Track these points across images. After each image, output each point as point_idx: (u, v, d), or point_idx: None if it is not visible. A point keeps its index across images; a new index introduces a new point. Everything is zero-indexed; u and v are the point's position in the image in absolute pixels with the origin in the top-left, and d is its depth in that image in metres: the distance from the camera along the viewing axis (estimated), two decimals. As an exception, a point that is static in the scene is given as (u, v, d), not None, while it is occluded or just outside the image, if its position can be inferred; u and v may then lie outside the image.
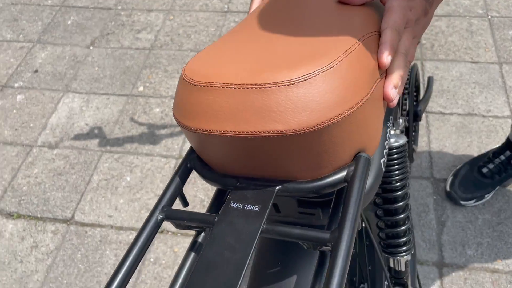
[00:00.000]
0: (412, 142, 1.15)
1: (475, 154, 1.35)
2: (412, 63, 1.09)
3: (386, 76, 0.46)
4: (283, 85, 0.39)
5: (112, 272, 1.20)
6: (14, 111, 1.69)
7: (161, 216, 0.45)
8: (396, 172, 0.64)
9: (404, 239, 0.68)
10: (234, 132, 0.40)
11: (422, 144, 1.41)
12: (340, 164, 0.43)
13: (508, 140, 1.24)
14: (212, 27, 1.88)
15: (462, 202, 1.25)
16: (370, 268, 0.84)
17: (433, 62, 1.63)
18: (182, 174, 0.49)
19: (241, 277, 0.38)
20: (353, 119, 0.41)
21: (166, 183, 0.55)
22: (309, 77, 0.39)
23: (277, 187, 0.43)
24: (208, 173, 0.47)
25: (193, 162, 0.49)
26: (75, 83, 1.76)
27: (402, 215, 0.67)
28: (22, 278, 1.27)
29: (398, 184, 0.65)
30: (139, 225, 1.33)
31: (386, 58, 0.44)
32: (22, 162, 1.53)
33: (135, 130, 1.57)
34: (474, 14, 1.78)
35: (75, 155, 1.52)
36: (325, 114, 0.39)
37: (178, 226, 0.47)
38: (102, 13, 2.04)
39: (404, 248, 0.69)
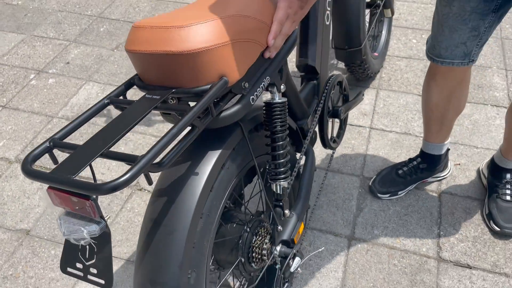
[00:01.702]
0: (337, 137, 1.47)
1: (401, 163, 1.66)
2: (342, 77, 1.43)
3: (269, 44, 0.84)
4: (177, 28, 0.74)
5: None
6: (45, 90, 2.10)
7: (107, 101, 0.80)
8: (278, 119, 0.97)
9: (282, 169, 1.00)
10: (148, 50, 0.75)
11: (360, 151, 1.72)
12: (209, 80, 0.77)
13: (421, 150, 1.54)
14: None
15: (379, 195, 1.54)
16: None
17: (386, 92, 1.97)
18: (127, 85, 0.84)
19: (135, 123, 0.71)
20: (215, 52, 0.75)
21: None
22: (191, 25, 0.74)
23: (173, 90, 0.77)
24: (139, 83, 0.82)
25: (134, 79, 0.84)
26: (97, 75, 2.16)
27: (281, 151, 0.99)
28: (27, 209, 1.62)
29: (279, 128, 0.98)
30: (124, 182, 1.67)
31: (270, 40, 0.84)
32: (43, 128, 1.91)
33: (136, 114, 1.94)
34: (431, 59, 2.11)
35: (84, 127, 1.89)
36: (197, 45, 0.74)
37: (116, 107, 0.81)
38: (129, 25, 2.48)
39: (282, 176, 1.01)
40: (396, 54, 2.17)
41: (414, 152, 1.70)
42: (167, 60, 0.75)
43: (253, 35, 0.82)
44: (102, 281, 0.68)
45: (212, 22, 0.76)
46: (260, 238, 1.06)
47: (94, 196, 0.63)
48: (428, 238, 1.45)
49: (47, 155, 1.48)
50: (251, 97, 0.88)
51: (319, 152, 1.74)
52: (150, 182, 0.66)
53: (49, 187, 0.66)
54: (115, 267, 1.43)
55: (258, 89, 0.90)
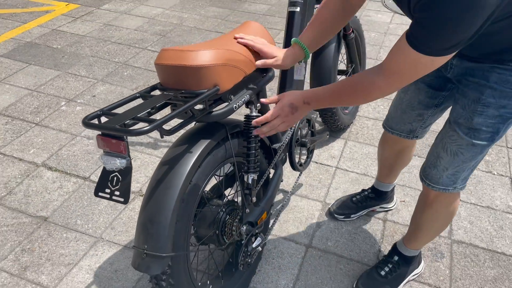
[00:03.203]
0: (303, 163, 1.85)
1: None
2: (311, 117, 1.84)
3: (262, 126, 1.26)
4: (190, 51, 1.17)
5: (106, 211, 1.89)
6: (72, 115, 2.52)
7: (138, 95, 1.21)
8: (253, 128, 1.37)
9: (252, 165, 1.38)
10: (169, 63, 1.17)
11: (325, 184, 2.10)
12: (207, 86, 1.19)
13: (373, 185, 1.92)
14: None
15: (335, 215, 1.89)
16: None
17: (353, 142, 2.38)
18: (152, 88, 1.25)
19: (155, 105, 1.11)
20: (212, 69, 1.17)
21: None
22: (200, 50, 1.17)
23: (183, 90, 1.18)
24: (160, 87, 1.23)
25: (157, 85, 1.25)
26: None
27: (253, 151, 1.38)
28: (47, 202, 1.97)
29: (252, 133, 1.37)
30: (129, 189, 2.03)
31: (253, 122, 1.26)
32: (68, 143, 2.31)
33: (145, 139, 2.34)
34: (394, 122, 2.55)
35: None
36: (201, 62, 1.16)
37: (143, 99, 1.21)
38: (148, 72, 2.96)
39: (252, 170, 1.38)
40: (366, 115, 2.61)
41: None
42: (180, 70, 1.16)
43: (239, 64, 1.25)
44: (122, 199, 1.04)
45: (214, 50, 1.18)
46: (232, 217, 1.41)
47: (126, 138, 1.01)
48: (370, 252, 1.78)
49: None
50: (234, 105, 1.28)
51: (293, 181, 2.11)
52: (162, 136, 1.05)
53: (98, 135, 1.04)
54: (115, 251, 1.75)
55: (240, 101, 1.31)
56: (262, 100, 1.32)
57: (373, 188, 1.91)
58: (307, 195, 2.04)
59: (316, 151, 2.30)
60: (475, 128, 1.19)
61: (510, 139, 2.45)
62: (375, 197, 1.90)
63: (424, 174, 1.37)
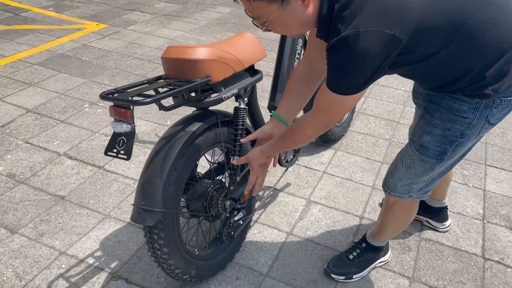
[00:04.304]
0: (290, 160, 2.09)
1: (340, 197, 2.24)
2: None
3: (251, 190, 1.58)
4: (189, 48, 1.46)
5: (114, 195, 2.15)
6: (94, 115, 2.84)
7: (146, 81, 1.50)
8: (240, 117, 1.63)
9: (237, 148, 1.63)
10: (171, 57, 1.46)
11: (311, 185, 2.32)
12: (201, 77, 1.47)
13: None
14: (224, 106, 3.01)
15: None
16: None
17: (342, 152, 2.61)
18: (157, 77, 1.54)
19: (159, 86, 1.39)
20: (206, 62, 1.46)
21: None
22: (198, 48, 1.46)
23: (181, 79, 1.47)
24: (164, 77, 1.52)
25: (162, 76, 1.54)
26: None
27: (238, 137, 1.63)
28: (65, 184, 2.25)
29: (240, 122, 1.63)
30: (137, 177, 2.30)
31: (246, 191, 1.58)
32: (88, 138, 2.61)
33: (155, 138, 2.63)
34: (382, 138, 2.78)
35: (117, 142, 2.58)
36: (197, 57, 1.45)
37: (149, 84, 1.50)
38: (164, 84, 3.28)
39: (237, 153, 1.64)
40: (357, 130, 2.85)
41: (351, 192, 2.29)
42: (180, 62, 1.45)
43: (229, 62, 1.53)
44: (125, 157, 1.31)
45: (208, 48, 1.47)
46: (219, 193, 1.66)
47: (132, 108, 1.28)
48: (344, 242, 1.99)
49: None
50: (223, 95, 1.56)
51: (280, 173, 2.35)
52: (160, 109, 1.32)
53: (110, 106, 1.32)
54: (120, 227, 2.01)
55: (229, 93, 1.58)
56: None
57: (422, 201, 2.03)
58: (294, 193, 2.27)
59: (306, 158, 2.55)
60: (424, 145, 1.35)
61: (490, 157, 2.65)
62: (424, 208, 2.04)
63: (384, 181, 1.58)
